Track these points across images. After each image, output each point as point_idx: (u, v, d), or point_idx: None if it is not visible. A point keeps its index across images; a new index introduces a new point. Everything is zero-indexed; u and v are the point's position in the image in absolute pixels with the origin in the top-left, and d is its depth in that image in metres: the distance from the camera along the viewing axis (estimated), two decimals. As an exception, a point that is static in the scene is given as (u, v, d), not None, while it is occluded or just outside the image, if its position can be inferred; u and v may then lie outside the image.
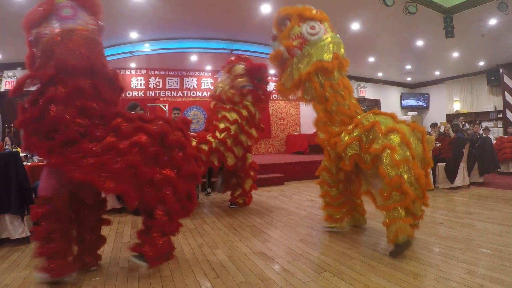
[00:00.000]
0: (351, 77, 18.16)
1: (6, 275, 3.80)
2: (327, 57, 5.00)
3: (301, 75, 5.02)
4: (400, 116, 19.29)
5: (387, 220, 4.17)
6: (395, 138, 4.30)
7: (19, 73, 13.70)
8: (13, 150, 7.46)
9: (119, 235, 5.44)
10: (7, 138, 9.38)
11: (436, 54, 14.73)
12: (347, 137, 4.72)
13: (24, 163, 5.54)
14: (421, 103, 20.46)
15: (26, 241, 4.98)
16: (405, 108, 20.26)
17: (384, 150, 4.25)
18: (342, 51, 5.25)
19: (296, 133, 18.45)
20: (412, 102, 20.37)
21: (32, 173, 5.89)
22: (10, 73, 13.67)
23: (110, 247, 4.79)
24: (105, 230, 5.59)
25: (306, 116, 18.76)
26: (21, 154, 6.21)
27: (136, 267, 3.98)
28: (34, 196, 5.52)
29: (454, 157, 8.69)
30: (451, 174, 8.66)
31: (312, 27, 5.13)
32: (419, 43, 12.95)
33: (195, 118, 15.62)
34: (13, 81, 13.61)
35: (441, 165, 8.88)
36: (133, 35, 11.60)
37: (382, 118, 4.60)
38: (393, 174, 4.11)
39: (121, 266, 4.08)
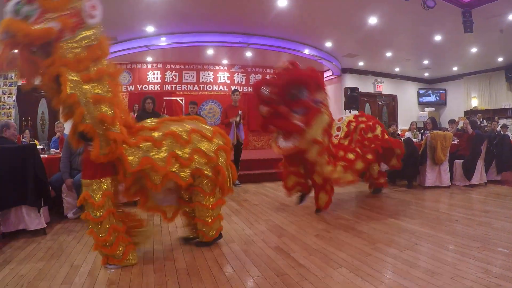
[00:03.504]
0: (368, 72, 18.08)
1: (22, 265, 3.86)
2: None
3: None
4: (417, 111, 19.16)
5: (209, 220, 4.34)
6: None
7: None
8: (31, 142, 7.54)
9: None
10: (27, 131, 9.44)
11: (454, 50, 14.56)
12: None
13: (41, 156, 5.59)
14: (438, 99, 20.23)
15: (42, 232, 5.05)
16: (422, 104, 20.06)
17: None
18: None
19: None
20: (429, 98, 20.15)
21: (49, 165, 5.96)
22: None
23: (126, 240, 4.82)
24: (121, 223, 5.63)
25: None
26: (38, 147, 6.27)
27: (152, 260, 4.01)
28: (50, 188, 5.60)
29: (472, 154, 8.58)
30: (469, 172, 8.56)
31: (94, 6, 3.83)
32: (437, 38, 12.80)
33: (211, 112, 15.66)
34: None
35: (459, 162, 8.78)
36: (149, 28, 11.62)
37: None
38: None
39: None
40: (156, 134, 3.98)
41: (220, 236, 4.61)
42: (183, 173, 4.02)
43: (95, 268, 3.81)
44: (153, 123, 4.16)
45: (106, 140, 3.63)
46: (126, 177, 3.83)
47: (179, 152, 4.01)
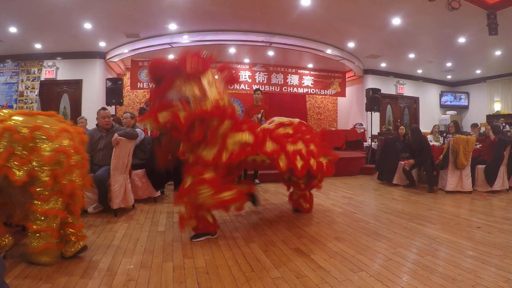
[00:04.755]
0: (390, 73, 17.97)
1: (43, 258, 3.89)
2: None
3: None
4: (439, 114, 18.99)
5: (34, 227, 3.64)
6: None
7: (59, 62, 14.06)
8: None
9: (154, 224, 5.51)
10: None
11: (478, 52, 14.37)
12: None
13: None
14: (460, 102, 19.97)
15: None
16: (444, 107, 19.84)
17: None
18: None
19: (333, 129, 18.40)
20: (451, 101, 19.90)
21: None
22: (50, 62, 14.02)
23: (145, 236, 4.86)
24: (140, 219, 5.67)
25: (344, 112, 18.68)
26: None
27: (171, 257, 4.02)
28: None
29: (495, 160, 8.47)
30: (491, 177, 8.45)
31: None
32: (461, 40, 12.65)
33: (232, 111, 15.71)
34: (52, 70, 13.96)
35: (480, 167, 8.66)
36: (172, 26, 11.68)
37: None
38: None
39: (156, 255, 4.12)
40: None
41: (51, 256, 3.78)
42: (17, 171, 3.53)
43: (114, 263, 3.83)
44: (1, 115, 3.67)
45: None
46: None
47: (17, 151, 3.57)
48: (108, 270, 3.65)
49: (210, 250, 4.30)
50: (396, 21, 10.96)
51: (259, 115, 8.57)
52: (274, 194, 8.05)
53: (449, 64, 16.74)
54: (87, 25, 11.13)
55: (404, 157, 9.49)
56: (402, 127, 11.02)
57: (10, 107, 13.31)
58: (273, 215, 6.18)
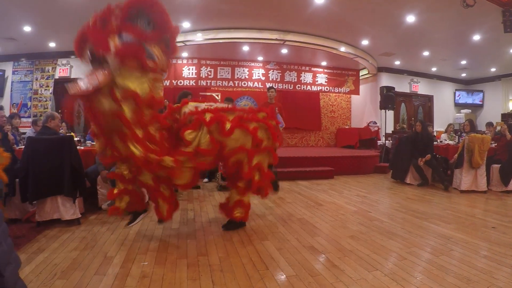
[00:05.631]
0: (404, 71, 17.85)
1: (56, 254, 3.96)
2: None
3: None
4: (454, 113, 18.83)
5: None
6: None
7: (73, 61, 14.12)
8: (67, 134, 7.64)
9: (169, 221, 5.51)
10: (63, 123, 9.57)
11: (493, 50, 14.17)
12: None
13: (78, 148, 5.66)
14: (475, 101, 19.77)
15: (76, 222, 5.16)
16: (459, 106, 19.64)
17: None
18: None
19: (347, 127, 18.37)
20: (466, 99, 19.66)
21: (85, 157, 6.04)
22: (64, 61, 14.09)
23: (159, 233, 4.90)
24: (154, 216, 5.69)
25: (357, 110, 18.59)
26: (75, 139, 6.36)
27: (185, 254, 4.04)
28: (86, 179, 5.70)
29: (510, 159, 8.37)
30: (506, 177, 8.36)
31: None
32: (476, 37, 12.50)
33: (246, 108, 15.75)
34: (66, 68, 14.04)
35: (496, 166, 8.58)
36: (186, 24, 11.68)
37: None
38: None
39: (170, 252, 4.14)
40: None
41: None
42: None
43: (128, 260, 3.86)
44: None
45: None
46: None
47: None
48: (122, 266, 3.68)
49: (224, 247, 4.31)
50: (410, 18, 10.87)
51: None
52: (288, 192, 8.05)
53: (463, 62, 16.57)
54: (101, 24, 11.18)
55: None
56: (418, 123, 10.97)
57: (25, 105, 13.46)
58: (286, 213, 6.17)
